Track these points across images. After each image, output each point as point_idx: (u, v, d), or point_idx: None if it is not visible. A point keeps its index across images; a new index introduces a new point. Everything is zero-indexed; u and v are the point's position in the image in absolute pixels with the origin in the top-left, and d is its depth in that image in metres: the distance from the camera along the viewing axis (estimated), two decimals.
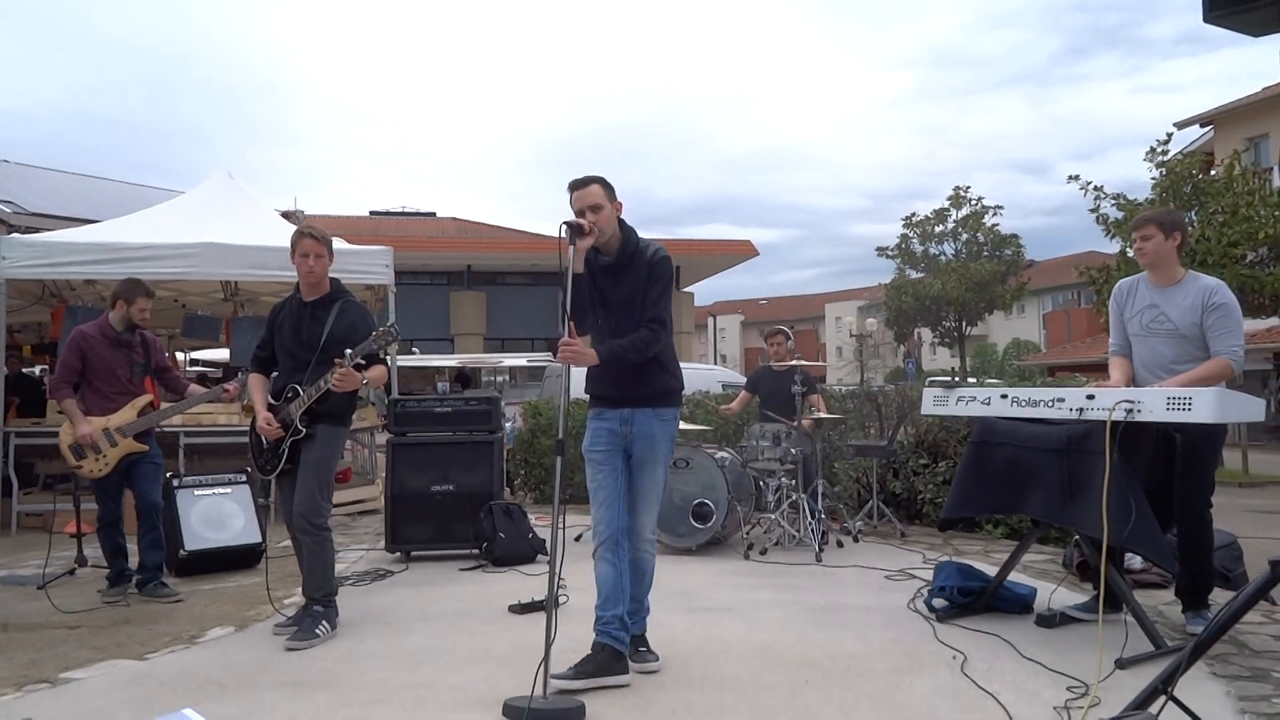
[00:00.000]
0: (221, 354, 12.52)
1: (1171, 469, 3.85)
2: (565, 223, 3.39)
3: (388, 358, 4.89)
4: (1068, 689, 3.18)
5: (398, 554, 6.09)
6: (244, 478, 6.05)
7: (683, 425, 6.92)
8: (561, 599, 4.27)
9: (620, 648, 3.37)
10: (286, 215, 11.79)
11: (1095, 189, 15.37)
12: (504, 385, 21.17)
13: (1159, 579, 4.76)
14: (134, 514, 5.11)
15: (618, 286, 3.54)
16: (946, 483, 6.53)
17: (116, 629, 4.35)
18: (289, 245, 4.31)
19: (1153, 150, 15.04)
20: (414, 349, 21.83)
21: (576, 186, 3.50)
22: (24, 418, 8.22)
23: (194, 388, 5.44)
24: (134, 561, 5.13)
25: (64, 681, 3.50)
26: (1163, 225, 3.96)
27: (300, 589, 4.34)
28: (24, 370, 10.30)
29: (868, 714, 3.02)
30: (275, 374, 4.39)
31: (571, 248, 3.37)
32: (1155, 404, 3.48)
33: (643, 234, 3.63)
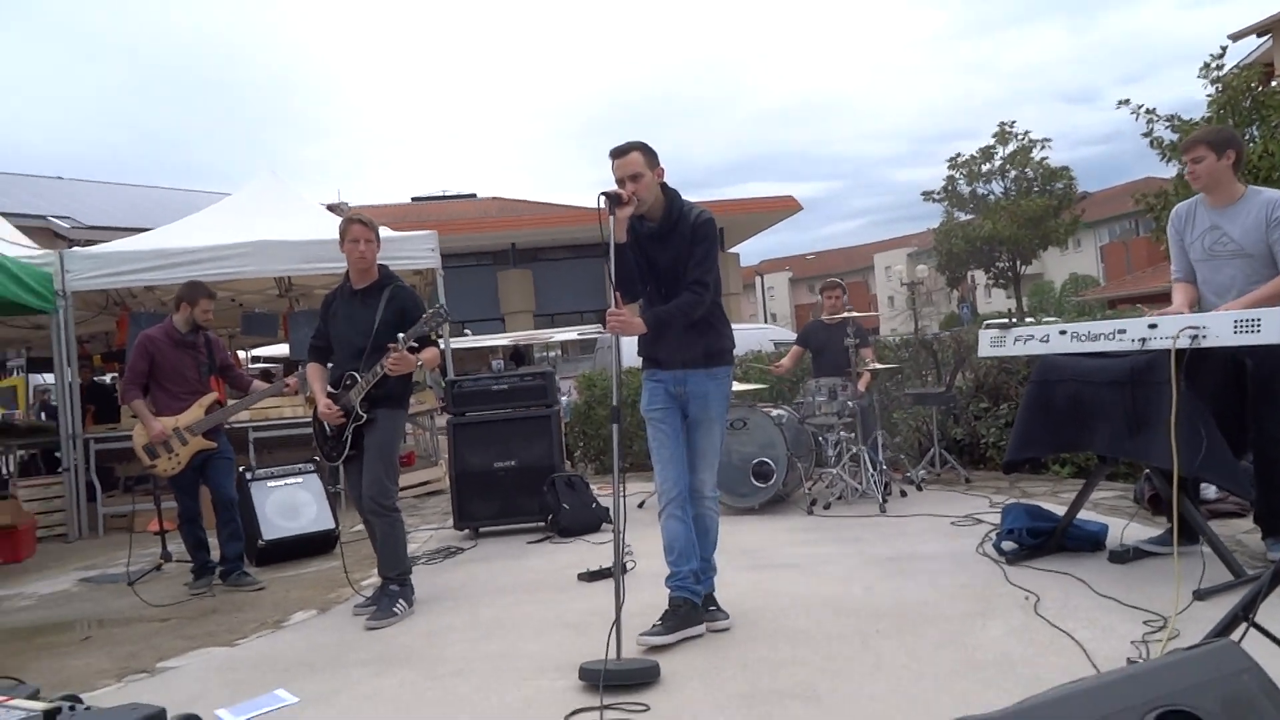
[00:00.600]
0: (281, 349, 12.83)
1: (1243, 393, 3.74)
2: (603, 193, 3.39)
3: (440, 339, 4.95)
4: (1144, 623, 3.14)
5: (466, 531, 6.22)
6: (313, 467, 6.23)
7: (737, 385, 6.92)
8: (629, 564, 4.33)
9: (696, 600, 3.47)
10: (332, 208, 11.98)
11: (1147, 112, 14.76)
12: (557, 360, 21.34)
13: (1236, 508, 4.65)
14: (211, 508, 5.30)
15: (664, 252, 3.53)
16: (1009, 425, 6.43)
17: (205, 619, 4.53)
18: (338, 235, 4.39)
19: (1207, 66, 14.33)
20: (466, 330, 22.11)
21: (617, 154, 3.48)
22: (100, 424, 8.55)
23: (257, 384, 5.59)
24: (216, 554, 5.32)
25: (161, 670, 3.67)
26: (1213, 145, 3.81)
27: (376, 570, 4.46)
28: (96, 379, 10.68)
29: (941, 658, 3.02)
30: (332, 363, 4.49)
31: (611, 218, 3.36)
32: (1222, 328, 3.36)
33: (683, 197, 3.61)
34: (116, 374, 10.91)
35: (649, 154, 3.49)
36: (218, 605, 4.81)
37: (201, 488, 5.31)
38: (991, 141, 34.43)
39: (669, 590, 3.47)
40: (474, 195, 34.80)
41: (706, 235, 3.52)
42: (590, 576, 4.55)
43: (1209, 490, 4.67)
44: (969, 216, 35.43)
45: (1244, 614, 2.09)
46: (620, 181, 3.45)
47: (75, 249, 8.66)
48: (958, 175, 35.78)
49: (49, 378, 13.66)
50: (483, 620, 4.00)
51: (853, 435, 6.26)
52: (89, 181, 19.58)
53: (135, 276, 8.05)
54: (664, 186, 3.54)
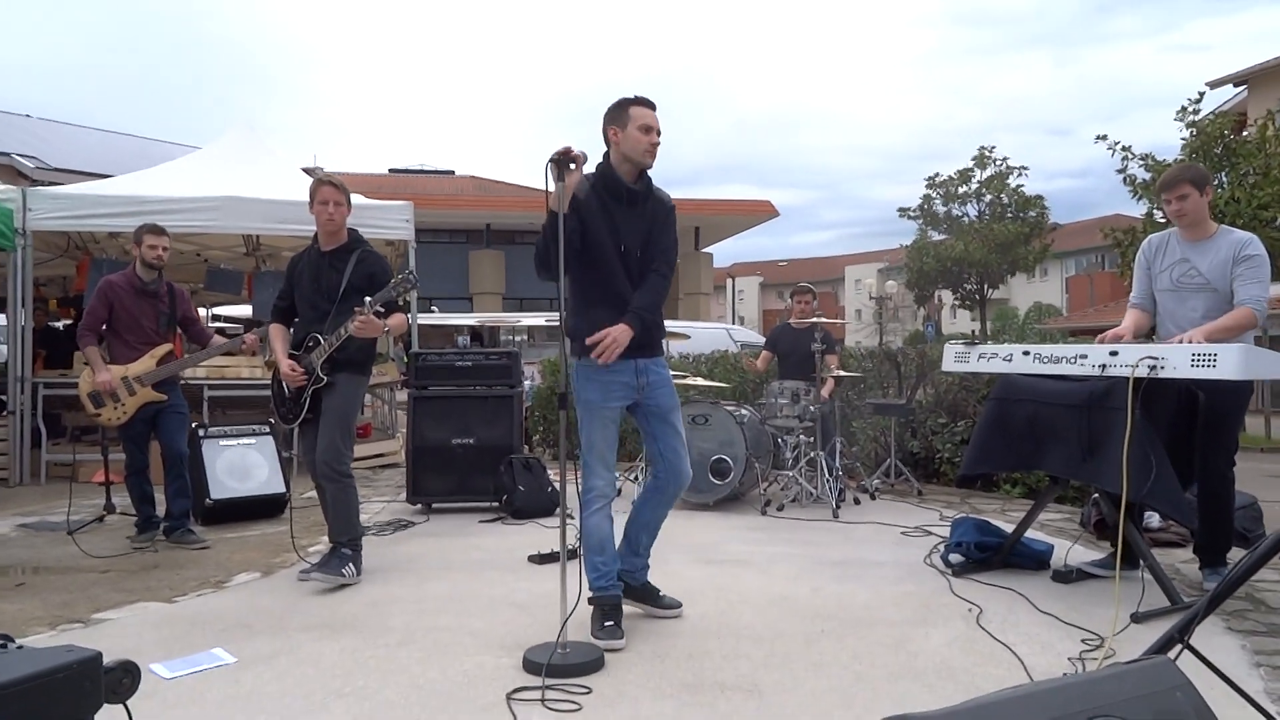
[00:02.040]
0: (244, 309, 12.60)
1: (1193, 425, 3.83)
2: (551, 159, 3.06)
3: (407, 306, 4.90)
4: (1082, 641, 3.20)
5: (419, 506, 6.18)
6: (268, 429, 6.14)
7: (702, 382, 6.95)
8: (579, 550, 4.32)
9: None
10: (307, 172, 11.79)
11: (1123, 149, 15.07)
12: (523, 344, 21.22)
13: (1177, 538, 4.77)
14: (161, 463, 5.20)
15: (633, 222, 3.38)
16: (965, 442, 6.52)
17: (145, 573, 4.45)
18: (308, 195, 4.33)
19: (1183, 110, 14.69)
20: (433, 307, 21.90)
21: (652, 106, 3.33)
22: (50, 369, 8.35)
23: (216, 339, 5.49)
24: (162, 509, 5.23)
25: (96, 621, 3.60)
26: (1195, 183, 3.91)
27: (325, 537, 4.42)
28: (50, 323, 10.44)
29: (882, 661, 3.06)
30: (294, 324, 4.43)
31: (559, 184, 3.10)
32: (1179, 360, 3.44)
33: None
34: (71, 320, 10.67)
35: None
36: (159, 561, 4.73)
37: (152, 441, 5.21)
38: (970, 164, 34.81)
39: (601, 590, 3.38)
40: (452, 172, 34.49)
41: (674, 223, 3.53)
42: (540, 559, 4.54)
43: (1153, 519, 4.78)
44: (942, 236, 35.80)
45: (1180, 636, 2.14)
46: (646, 129, 3.29)
47: (39, 188, 8.45)
48: (934, 195, 36.11)
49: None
50: (430, 594, 3.97)
51: (812, 440, 6.31)
52: (59, 123, 19.08)
53: (100, 221, 7.87)
54: None
